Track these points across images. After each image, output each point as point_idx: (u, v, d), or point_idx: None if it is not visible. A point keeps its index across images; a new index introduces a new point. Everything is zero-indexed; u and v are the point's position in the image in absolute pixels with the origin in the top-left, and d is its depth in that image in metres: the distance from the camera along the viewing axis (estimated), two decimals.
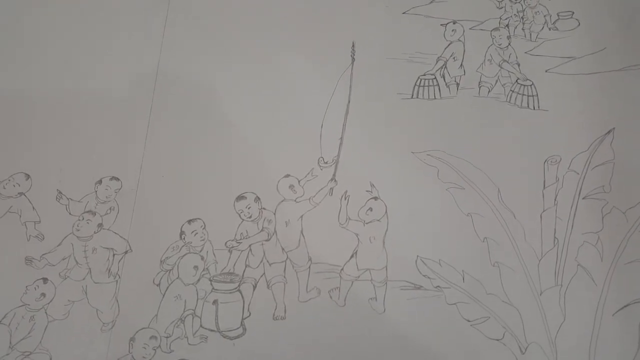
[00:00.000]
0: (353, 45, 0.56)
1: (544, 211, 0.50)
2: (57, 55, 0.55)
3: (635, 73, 0.53)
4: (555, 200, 0.51)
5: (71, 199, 0.50)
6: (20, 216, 0.49)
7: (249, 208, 0.50)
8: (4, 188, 0.50)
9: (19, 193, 0.50)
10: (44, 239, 0.48)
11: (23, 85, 0.53)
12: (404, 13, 0.57)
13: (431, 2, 0.57)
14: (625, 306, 0.47)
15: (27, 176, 0.50)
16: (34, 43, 0.55)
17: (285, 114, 0.54)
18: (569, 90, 0.54)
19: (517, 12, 0.57)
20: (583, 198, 0.51)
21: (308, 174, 0.52)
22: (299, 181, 0.51)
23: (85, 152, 0.51)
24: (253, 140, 0.52)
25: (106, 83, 0.54)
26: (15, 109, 0.53)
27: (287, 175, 0.52)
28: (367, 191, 0.51)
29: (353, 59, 0.56)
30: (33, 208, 0.49)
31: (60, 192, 0.50)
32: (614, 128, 0.52)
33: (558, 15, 0.57)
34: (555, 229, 0.50)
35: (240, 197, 0.50)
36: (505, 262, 0.49)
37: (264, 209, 0.50)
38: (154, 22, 0.56)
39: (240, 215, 0.50)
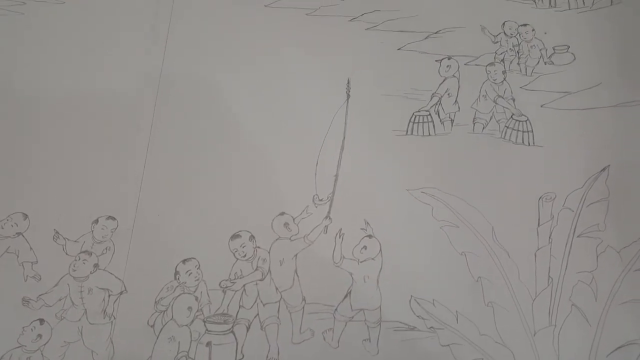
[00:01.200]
0: (348, 82, 0.56)
1: (538, 249, 0.50)
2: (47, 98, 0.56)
3: (631, 110, 0.53)
4: (549, 238, 0.51)
5: (68, 239, 0.50)
6: (17, 256, 0.50)
7: (243, 247, 0.50)
8: (2, 228, 0.50)
9: (16, 233, 0.50)
10: (40, 279, 0.49)
11: (19, 127, 0.54)
12: (398, 49, 0.57)
13: (426, 37, 0.57)
14: (619, 347, 0.47)
15: (25, 216, 0.51)
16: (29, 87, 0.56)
17: (280, 150, 0.54)
18: (564, 126, 0.54)
19: (513, 46, 0.57)
20: (578, 236, 0.51)
21: (303, 211, 0.52)
22: (293, 219, 0.52)
23: (82, 191, 0.52)
24: (248, 178, 0.53)
25: (100, 122, 0.54)
26: (13, 148, 0.53)
27: (282, 213, 0.52)
28: (361, 229, 0.51)
29: (348, 96, 0.56)
30: (30, 248, 0.50)
31: (57, 232, 0.50)
32: (609, 165, 0.52)
33: (554, 49, 0.57)
34: (549, 268, 0.50)
35: (235, 236, 0.51)
36: (499, 302, 0.49)
37: (259, 247, 0.50)
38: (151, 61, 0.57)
39: (234, 255, 0.50)
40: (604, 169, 0.52)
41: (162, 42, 0.57)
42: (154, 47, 0.57)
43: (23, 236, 0.51)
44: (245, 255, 0.50)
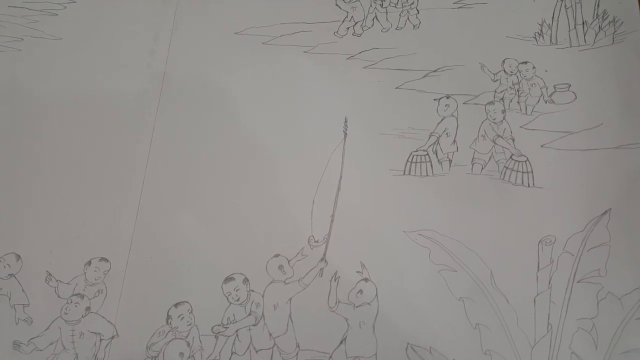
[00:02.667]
0: (345, 121, 0.56)
1: (537, 295, 0.49)
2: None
3: (633, 152, 0.52)
4: (549, 283, 0.50)
5: (60, 281, 0.50)
6: (9, 299, 0.49)
7: (237, 290, 0.50)
8: None
9: (9, 274, 0.50)
10: (32, 322, 0.48)
11: (13, 168, 0.54)
12: (396, 88, 0.56)
13: (424, 76, 0.57)
14: None
15: (18, 257, 0.51)
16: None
17: (276, 190, 0.53)
18: (565, 166, 0.53)
19: (513, 84, 0.57)
20: (578, 281, 0.50)
21: (298, 253, 0.51)
22: (288, 261, 0.51)
23: (75, 231, 0.52)
24: (243, 218, 0.52)
25: (92, 167, 0.54)
26: (8, 188, 0.53)
27: (277, 255, 0.51)
28: (357, 272, 0.51)
29: (345, 134, 0.55)
30: (23, 290, 0.50)
31: (49, 274, 0.50)
32: (610, 209, 0.51)
33: (555, 88, 0.56)
34: (549, 314, 0.49)
35: (228, 279, 0.50)
36: (497, 349, 0.48)
37: (252, 291, 0.50)
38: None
39: (228, 298, 0.49)
40: (605, 213, 0.51)
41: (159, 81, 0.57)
42: (151, 85, 0.57)
43: (15, 278, 0.50)
44: (238, 299, 0.49)
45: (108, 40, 0.59)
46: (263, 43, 0.59)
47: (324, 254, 0.51)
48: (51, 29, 0.60)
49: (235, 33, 0.59)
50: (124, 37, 0.59)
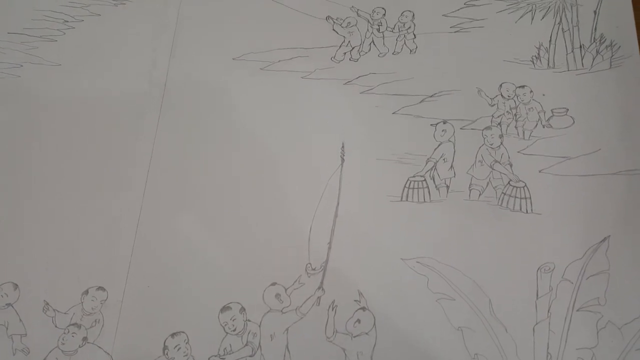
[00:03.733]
0: (343, 146, 0.56)
1: (536, 324, 0.49)
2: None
3: (631, 178, 0.52)
4: (548, 311, 0.49)
5: (58, 311, 0.50)
6: (7, 328, 0.49)
7: (233, 320, 0.49)
8: None
9: (6, 304, 0.50)
10: (29, 353, 0.48)
11: (10, 194, 0.55)
12: (393, 113, 0.56)
13: (421, 101, 0.57)
14: None
15: (15, 286, 0.51)
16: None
17: (273, 217, 0.53)
18: (563, 192, 0.53)
19: (510, 108, 0.56)
20: (577, 310, 0.49)
21: (295, 281, 0.51)
22: (285, 289, 0.51)
23: (72, 259, 0.52)
24: (239, 246, 0.52)
25: (88, 186, 0.54)
26: (5, 215, 0.54)
27: (274, 284, 0.51)
28: (355, 301, 0.50)
29: (342, 160, 0.55)
30: (20, 320, 0.49)
31: (47, 303, 0.50)
32: (609, 236, 0.51)
33: (552, 112, 0.56)
34: (548, 344, 0.48)
35: (225, 308, 0.50)
36: None
37: (249, 320, 0.49)
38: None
39: (224, 328, 0.49)
40: (604, 240, 0.51)
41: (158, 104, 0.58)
42: (151, 110, 0.57)
43: (13, 307, 0.50)
44: (235, 329, 0.49)
45: (106, 66, 0.60)
46: (261, 69, 0.59)
47: (321, 282, 0.51)
48: (50, 55, 0.60)
49: (233, 59, 0.59)
50: (123, 63, 0.59)
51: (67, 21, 0.62)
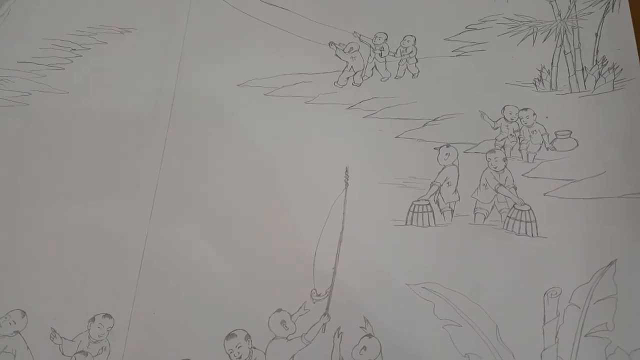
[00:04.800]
0: (346, 170, 0.56)
1: (544, 350, 0.48)
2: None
3: (637, 202, 0.51)
4: (556, 337, 0.49)
5: (65, 338, 0.50)
6: (14, 356, 0.49)
7: (239, 347, 0.49)
8: (0, 326, 0.51)
9: (14, 331, 0.50)
10: None
11: (18, 221, 0.55)
12: (397, 137, 0.57)
13: (424, 125, 0.57)
14: None
15: (23, 313, 0.51)
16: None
17: (277, 242, 0.53)
18: (568, 215, 0.53)
19: (514, 131, 0.57)
20: (585, 335, 0.49)
21: (300, 307, 0.51)
22: (290, 316, 0.51)
23: (79, 286, 0.52)
24: (244, 272, 0.52)
25: (97, 226, 0.55)
26: (13, 241, 0.54)
27: (279, 310, 0.51)
28: (360, 327, 0.50)
29: (346, 184, 0.56)
30: (27, 348, 0.50)
31: (54, 331, 0.50)
32: (616, 260, 0.50)
33: (556, 135, 0.56)
34: None
35: (230, 335, 0.50)
36: None
37: (255, 348, 0.49)
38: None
39: (230, 356, 0.49)
40: (610, 264, 0.50)
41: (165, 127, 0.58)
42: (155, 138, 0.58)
43: (21, 335, 0.50)
44: (240, 357, 0.49)
45: (113, 92, 0.60)
46: (265, 94, 0.59)
47: (327, 309, 0.51)
48: (58, 83, 0.61)
49: (237, 85, 0.60)
50: (129, 90, 0.60)
51: (75, 49, 0.63)
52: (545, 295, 0.50)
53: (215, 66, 0.61)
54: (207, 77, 0.60)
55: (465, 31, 0.61)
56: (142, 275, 0.52)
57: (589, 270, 0.51)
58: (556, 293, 0.50)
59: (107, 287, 0.52)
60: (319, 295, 0.52)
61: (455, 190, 0.55)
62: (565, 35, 0.60)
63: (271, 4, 0.64)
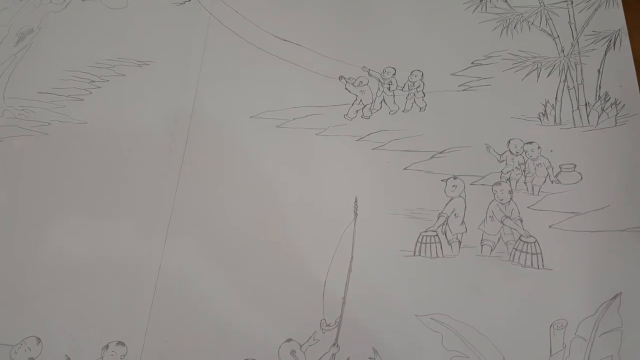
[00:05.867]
0: (356, 200, 0.57)
1: None
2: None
3: (639, 236, 0.53)
4: None
5: None
6: None
7: None
8: (16, 353, 0.51)
9: (29, 358, 0.51)
10: None
11: (30, 247, 0.57)
12: (404, 169, 0.58)
13: (431, 157, 0.58)
14: None
15: (38, 340, 0.52)
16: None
17: (288, 271, 0.54)
18: (574, 248, 0.54)
19: (519, 164, 0.58)
20: None
21: (310, 337, 0.52)
22: (300, 346, 0.51)
23: (93, 314, 0.53)
24: (254, 302, 0.53)
25: (112, 256, 0.56)
26: (25, 272, 0.56)
27: (289, 340, 0.52)
28: (370, 358, 0.51)
29: (356, 214, 0.57)
30: None
31: (68, 358, 0.51)
32: (620, 292, 0.51)
33: (560, 168, 0.57)
34: None
35: None
36: None
37: None
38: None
39: None
40: (615, 296, 0.51)
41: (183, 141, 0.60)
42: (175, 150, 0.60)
43: None
44: None
45: (130, 123, 0.62)
46: (277, 126, 0.61)
47: (336, 339, 0.52)
48: (77, 114, 0.63)
49: (250, 117, 0.62)
50: (146, 121, 0.62)
51: (94, 81, 0.65)
52: (552, 327, 0.51)
53: (230, 98, 0.63)
54: (222, 108, 0.62)
55: (471, 66, 0.63)
56: (155, 304, 0.53)
57: (594, 302, 0.51)
58: (562, 325, 0.51)
59: (120, 315, 0.53)
60: (329, 325, 0.52)
61: (463, 221, 0.56)
62: (568, 71, 0.62)
63: (284, 40, 0.66)
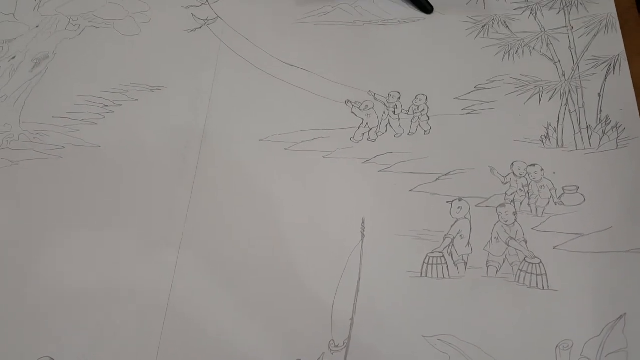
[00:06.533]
0: (363, 222, 0.59)
1: None
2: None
3: None
4: None
5: None
6: None
7: None
8: None
9: None
10: None
11: (50, 274, 0.58)
12: (410, 190, 0.59)
13: (436, 179, 0.60)
14: None
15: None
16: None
17: (296, 292, 0.55)
18: (578, 269, 0.54)
19: (523, 186, 0.59)
20: None
21: (319, 358, 0.52)
22: None
23: (106, 336, 0.54)
24: (263, 322, 0.54)
25: (124, 279, 0.57)
26: (42, 296, 0.57)
27: None
28: None
29: (363, 235, 0.58)
30: None
31: None
32: (625, 313, 0.52)
33: (563, 190, 0.58)
34: None
35: None
36: None
37: None
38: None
39: None
40: (620, 317, 0.52)
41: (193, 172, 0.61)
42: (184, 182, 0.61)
43: None
44: None
45: (142, 147, 0.64)
46: (285, 149, 0.63)
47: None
48: (90, 137, 0.65)
49: (259, 140, 0.63)
50: (158, 145, 0.64)
51: (107, 105, 0.67)
52: (557, 347, 0.52)
53: (240, 122, 0.65)
54: (232, 132, 0.64)
55: (474, 90, 0.65)
56: (166, 326, 0.54)
57: (599, 323, 0.52)
58: (568, 346, 0.52)
59: (133, 337, 0.54)
60: (337, 346, 0.53)
61: (468, 243, 0.57)
62: (569, 95, 0.64)
63: (292, 65, 0.68)
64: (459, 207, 0.59)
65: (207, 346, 0.53)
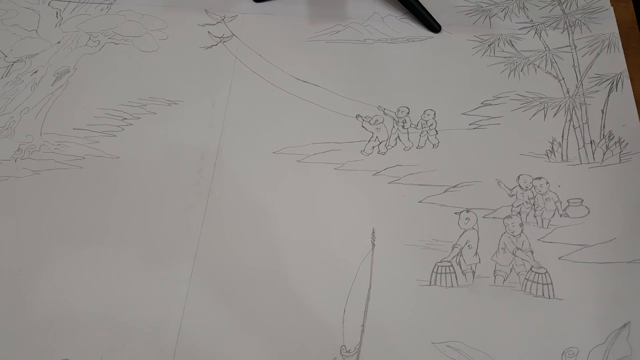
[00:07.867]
0: (373, 232, 0.60)
1: None
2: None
3: None
4: None
5: None
6: None
7: None
8: None
9: None
10: None
11: (68, 279, 0.59)
12: (419, 202, 0.61)
13: (445, 191, 0.62)
14: None
15: None
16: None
17: (309, 299, 0.57)
18: (583, 278, 0.56)
19: (529, 198, 0.61)
20: None
21: None
22: None
23: (122, 340, 0.55)
24: (274, 329, 0.56)
25: (141, 286, 0.59)
26: (59, 294, 0.58)
27: None
28: None
29: (373, 245, 0.60)
30: None
31: None
32: (629, 322, 0.53)
33: (568, 202, 0.60)
34: None
35: None
36: None
37: None
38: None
39: None
40: (624, 326, 0.53)
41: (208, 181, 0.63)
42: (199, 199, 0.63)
43: None
44: None
45: (160, 159, 0.66)
46: (298, 161, 0.65)
47: None
48: (110, 149, 0.67)
49: (273, 152, 0.66)
50: (175, 157, 0.66)
51: (126, 118, 0.69)
52: (563, 354, 0.53)
53: (254, 135, 0.67)
54: (246, 144, 0.66)
55: (481, 106, 0.68)
56: (182, 332, 0.55)
57: (604, 331, 0.53)
58: (573, 353, 0.53)
59: (148, 342, 0.55)
60: (349, 351, 0.54)
61: (476, 252, 0.58)
62: (573, 111, 0.66)
63: (304, 81, 0.71)
64: (466, 218, 0.60)
65: (218, 354, 0.55)
